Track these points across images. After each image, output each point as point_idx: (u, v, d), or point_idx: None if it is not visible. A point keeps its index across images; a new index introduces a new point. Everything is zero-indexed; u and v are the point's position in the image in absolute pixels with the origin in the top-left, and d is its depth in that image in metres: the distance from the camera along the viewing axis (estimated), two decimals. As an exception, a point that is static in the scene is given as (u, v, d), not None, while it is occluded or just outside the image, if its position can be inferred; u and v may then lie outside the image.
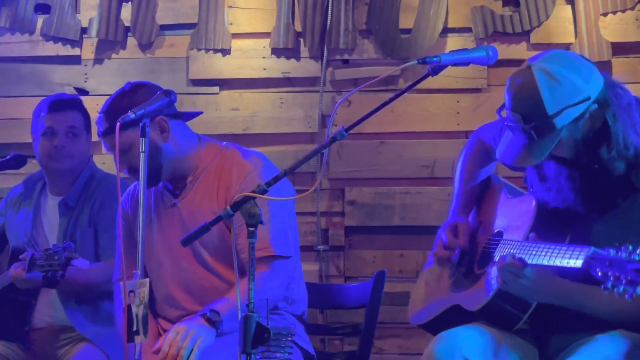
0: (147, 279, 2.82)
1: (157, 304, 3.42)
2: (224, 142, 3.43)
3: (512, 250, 2.73)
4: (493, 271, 2.79)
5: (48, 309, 3.92)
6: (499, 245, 2.87)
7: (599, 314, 2.72)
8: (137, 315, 2.78)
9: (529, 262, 2.65)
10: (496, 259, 2.82)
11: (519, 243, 2.75)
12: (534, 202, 2.86)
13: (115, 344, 3.76)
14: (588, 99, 2.69)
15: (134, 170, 3.26)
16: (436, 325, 3.05)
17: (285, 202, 3.31)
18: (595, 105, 2.71)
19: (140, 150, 2.90)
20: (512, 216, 2.95)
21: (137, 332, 2.78)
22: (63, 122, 3.93)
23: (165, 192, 3.39)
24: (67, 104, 3.97)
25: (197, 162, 3.35)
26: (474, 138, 3.25)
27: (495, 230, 3.00)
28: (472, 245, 3.06)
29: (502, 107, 2.79)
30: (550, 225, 2.80)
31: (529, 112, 2.69)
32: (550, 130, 2.69)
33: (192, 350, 3.01)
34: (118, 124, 2.90)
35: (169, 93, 3.11)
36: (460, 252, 3.03)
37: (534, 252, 2.66)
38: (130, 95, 3.24)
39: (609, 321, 2.72)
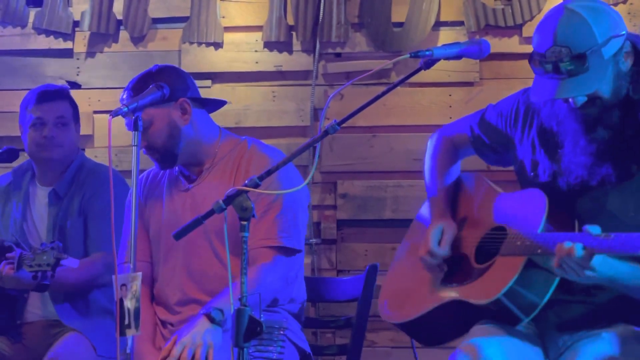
0: (139, 273, 2.82)
1: (157, 287, 3.41)
2: (244, 137, 3.46)
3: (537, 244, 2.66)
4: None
5: (39, 303, 3.91)
6: (507, 239, 2.80)
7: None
8: (129, 309, 2.78)
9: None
10: (502, 251, 2.77)
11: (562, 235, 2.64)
12: (542, 194, 2.78)
13: (104, 335, 3.76)
14: (624, 34, 2.72)
15: (152, 149, 3.31)
16: (425, 322, 2.97)
17: (300, 199, 3.34)
18: (629, 42, 2.74)
19: (133, 144, 2.91)
20: (515, 210, 2.87)
21: (129, 326, 2.79)
22: (52, 112, 3.93)
23: (180, 177, 3.42)
24: (56, 94, 3.97)
25: (215, 151, 3.38)
26: (439, 136, 3.23)
27: (493, 226, 2.93)
28: (459, 243, 3.01)
29: (531, 57, 2.74)
30: (556, 209, 2.76)
31: (579, 41, 2.67)
32: (599, 60, 2.67)
33: None
34: (110, 117, 2.91)
35: (161, 87, 3.14)
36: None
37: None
38: (156, 76, 3.28)
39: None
